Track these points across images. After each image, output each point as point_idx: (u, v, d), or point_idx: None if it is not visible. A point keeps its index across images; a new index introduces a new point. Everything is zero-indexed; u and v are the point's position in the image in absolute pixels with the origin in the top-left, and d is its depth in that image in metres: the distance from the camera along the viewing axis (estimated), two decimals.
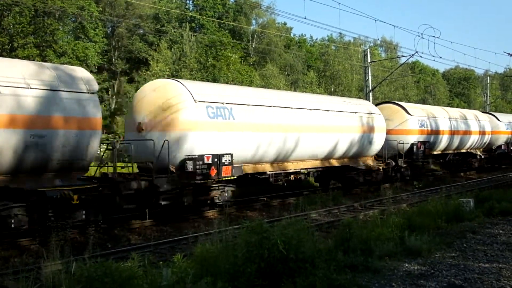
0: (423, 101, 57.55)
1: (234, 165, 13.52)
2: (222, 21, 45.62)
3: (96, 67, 37.53)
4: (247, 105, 14.46)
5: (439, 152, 25.44)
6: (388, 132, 21.30)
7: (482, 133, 28.67)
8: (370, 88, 29.91)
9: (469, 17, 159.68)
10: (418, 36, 27.18)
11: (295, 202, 15.73)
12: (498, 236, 9.65)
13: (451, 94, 74.06)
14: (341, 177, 19.44)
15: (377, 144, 20.08)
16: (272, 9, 50.45)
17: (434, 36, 24.85)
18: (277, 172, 15.71)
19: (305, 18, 33.79)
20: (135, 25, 44.23)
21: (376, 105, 23.06)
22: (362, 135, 19.05)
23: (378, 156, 20.85)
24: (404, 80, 58.94)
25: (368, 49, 32.12)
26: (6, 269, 8.13)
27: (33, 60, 28.59)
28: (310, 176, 17.89)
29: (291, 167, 16.38)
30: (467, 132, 26.96)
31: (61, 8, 29.31)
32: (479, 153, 29.28)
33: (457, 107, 58.78)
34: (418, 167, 23.03)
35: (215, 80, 34.47)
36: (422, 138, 22.54)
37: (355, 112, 19.08)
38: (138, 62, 44.33)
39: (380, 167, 20.23)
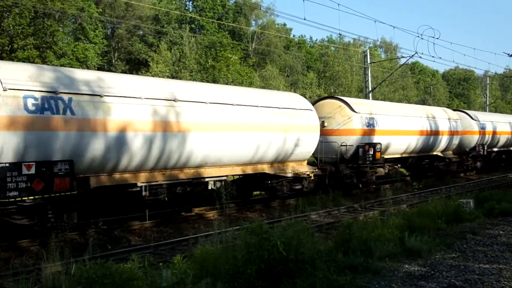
0: (423, 102, 57.58)
1: (78, 176, 10.28)
2: (221, 22, 45.65)
3: (96, 68, 37.56)
4: (100, 95, 10.66)
5: (397, 156, 21.62)
6: (329, 132, 18.25)
7: (451, 133, 25.04)
8: (370, 89, 29.97)
9: (468, 17, 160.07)
10: (418, 37, 27.40)
11: (295, 203, 15.74)
12: (498, 237, 9.66)
13: (451, 94, 74.09)
14: (264, 186, 15.94)
15: (308, 146, 16.37)
16: (272, 10, 50.50)
17: (433, 37, 25.06)
18: (156, 183, 11.95)
19: (304, 19, 34.06)
20: (135, 26, 44.24)
21: (316, 101, 19.96)
22: (287, 134, 15.37)
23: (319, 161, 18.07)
24: (404, 81, 59.02)
25: (368, 50, 32.17)
26: (6, 271, 8.14)
27: (33, 61, 28.65)
28: (211, 187, 13.50)
29: (181, 175, 12.64)
30: (432, 133, 23.27)
31: (61, 9, 29.31)
32: (448, 155, 25.59)
33: (457, 107, 58.76)
34: (366, 173, 19.05)
35: (214, 81, 34.47)
36: (371, 139, 18.97)
37: (276, 107, 15.29)
38: (138, 63, 44.33)
39: (311, 174, 16.57)
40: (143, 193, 11.64)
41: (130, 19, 43.80)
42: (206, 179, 13.31)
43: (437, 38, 30.87)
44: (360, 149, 18.18)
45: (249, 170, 14.69)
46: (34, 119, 9.58)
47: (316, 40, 64.34)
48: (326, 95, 41.98)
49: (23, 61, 28.70)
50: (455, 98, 74.00)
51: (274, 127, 14.98)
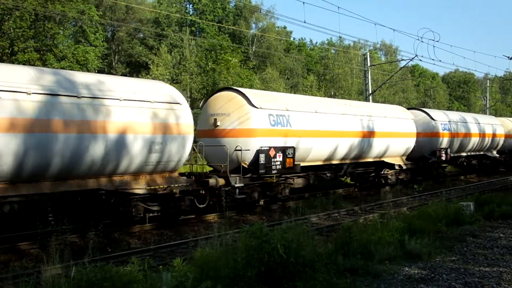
0: (423, 104, 57.60)
1: None
2: (222, 25, 45.75)
3: (96, 71, 37.64)
4: None
5: (322, 163, 17.35)
6: (222, 133, 14.59)
7: (403, 135, 21.20)
8: (370, 92, 30.00)
9: (468, 20, 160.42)
10: (418, 39, 27.52)
11: (295, 206, 15.73)
12: (499, 240, 9.67)
13: (451, 97, 74.23)
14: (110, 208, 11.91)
15: (174, 152, 12.26)
16: (272, 13, 50.60)
17: (433, 40, 24.89)
18: None
19: (304, 22, 34.00)
20: (135, 29, 44.35)
21: (211, 94, 16.29)
22: (132, 137, 11.25)
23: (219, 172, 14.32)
24: (403, 84, 59.07)
25: (368, 53, 32.26)
26: (6, 273, 8.13)
27: (34, 64, 28.72)
28: (6, 211, 9.75)
29: None
30: (371, 134, 19.02)
31: (62, 12, 29.35)
32: (399, 162, 21.47)
33: (457, 110, 58.76)
34: (272, 185, 15.39)
35: (215, 84, 34.53)
36: (281, 142, 15.05)
37: (116, 99, 11.07)
38: (138, 66, 44.43)
39: (177, 190, 12.35)
40: None
41: (131, 22, 43.94)
42: None
43: (437, 41, 30.76)
44: (262, 155, 14.16)
45: (62, 188, 10.34)
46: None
47: (316, 43, 64.63)
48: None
49: (24, 64, 28.78)
50: (455, 100, 74.13)
51: (106, 126, 10.77)
